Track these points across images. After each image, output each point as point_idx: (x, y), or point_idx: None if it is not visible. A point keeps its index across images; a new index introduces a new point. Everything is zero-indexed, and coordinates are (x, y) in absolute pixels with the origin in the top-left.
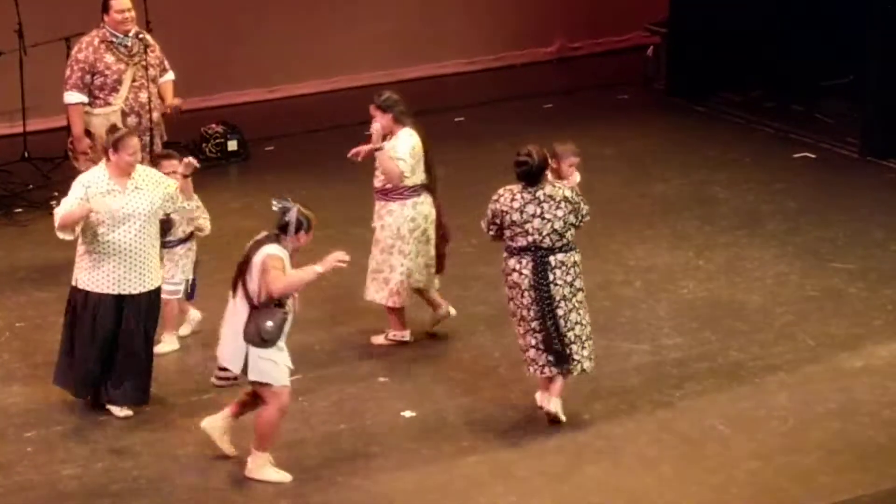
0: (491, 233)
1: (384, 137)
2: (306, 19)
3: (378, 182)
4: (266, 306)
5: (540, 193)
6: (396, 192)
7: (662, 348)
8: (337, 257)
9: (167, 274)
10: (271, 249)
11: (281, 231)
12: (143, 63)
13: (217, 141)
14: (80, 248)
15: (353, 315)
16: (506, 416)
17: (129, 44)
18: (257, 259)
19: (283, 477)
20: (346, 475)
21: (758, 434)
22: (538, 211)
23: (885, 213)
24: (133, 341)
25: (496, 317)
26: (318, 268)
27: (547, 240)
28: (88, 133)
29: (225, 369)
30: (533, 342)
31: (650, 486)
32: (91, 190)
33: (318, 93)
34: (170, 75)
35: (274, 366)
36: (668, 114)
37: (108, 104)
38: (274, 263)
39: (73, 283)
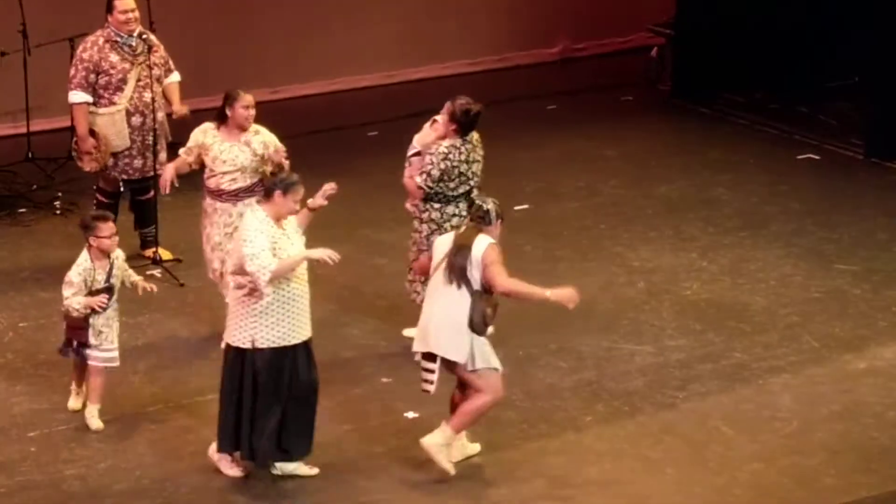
0: (431, 190)
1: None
2: (310, 20)
3: (234, 185)
4: (482, 293)
5: (473, 140)
6: (251, 189)
7: (665, 349)
8: (571, 296)
9: (102, 341)
10: (488, 240)
11: (482, 222)
12: (148, 63)
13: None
14: (258, 306)
15: (357, 316)
16: (508, 418)
17: (134, 44)
18: (478, 249)
19: (450, 468)
20: (351, 475)
21: (761, 436)
22: (474, 157)
23: (890, 215)
24: (315, 388)
25: (499, 318)
26: (549, 294)
27: (478, 180)
28: (93, 133)
29: (430, 370)
30: None
31: (653, 487)
32: (272, 236)
33: (321, 94)
34: (175, 76)
35: (492, 350)
36: (671, 115)
37: (113, 104)
38: (496, 256)
39: (250, 346)
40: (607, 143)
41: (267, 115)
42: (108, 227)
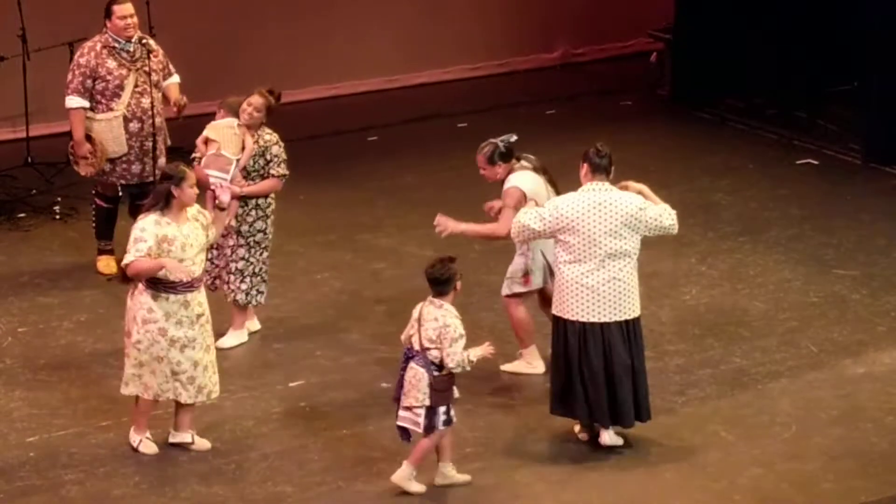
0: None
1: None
2: (309, 25)
3: (203, 265)
4: None
5: None
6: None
7: (665, 354)
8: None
9: None
10: None
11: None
12: (146, 68)
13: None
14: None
15: (355, 321)
16: (508, 423)
17: (132, 49)
18: None
19: None
20: (348, 480)
21: (760, 441)
22: None
23: (888, 220)
24: None
25: (500, 323)
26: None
27: None
28: (89, 138)
29: None
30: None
31: (652, 492)
32: None
33: (320, 98)
34: (175, 78)
35: None
36: (671, 120)
37: (111, 109)
38: None
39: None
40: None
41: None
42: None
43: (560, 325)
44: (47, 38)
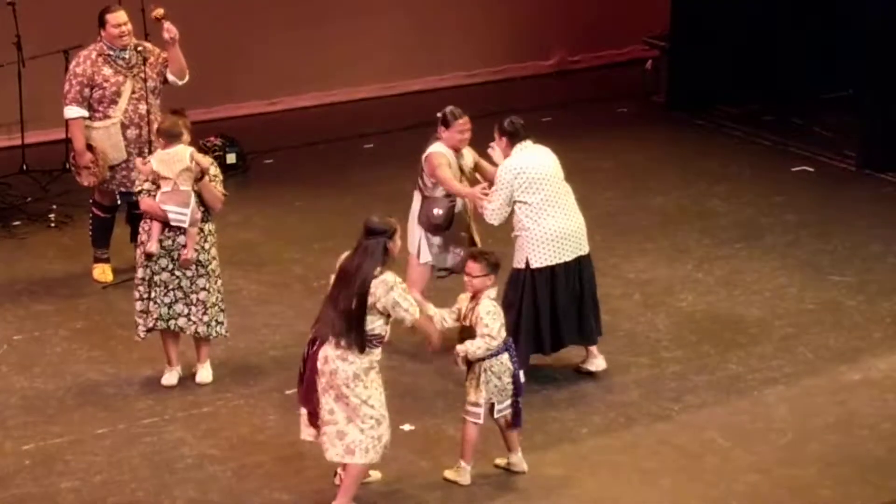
0: None
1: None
2: (306, 32)
3: None
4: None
5: None
6: None
7: (661, 361)
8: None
9: None
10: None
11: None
12: (142, 75)
13: (216, 154)
14: None
15: None
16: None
17: (128, 56)
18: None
19: None
20: None
21: (757, 447)
22: None
23: (884, 226)
24: None
25: None
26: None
27: None
28: (90, 147)
29: None
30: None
31: (649, 499)
32: None
33: (317, 105)
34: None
35: None
36: (667, 127)
37: (108, 117)
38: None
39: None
40: (603, 155)
41: (263, 126)
42: None
43: (527, 276)
44: (42, 45)
